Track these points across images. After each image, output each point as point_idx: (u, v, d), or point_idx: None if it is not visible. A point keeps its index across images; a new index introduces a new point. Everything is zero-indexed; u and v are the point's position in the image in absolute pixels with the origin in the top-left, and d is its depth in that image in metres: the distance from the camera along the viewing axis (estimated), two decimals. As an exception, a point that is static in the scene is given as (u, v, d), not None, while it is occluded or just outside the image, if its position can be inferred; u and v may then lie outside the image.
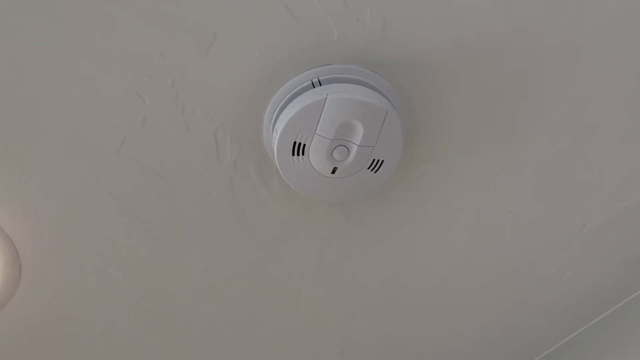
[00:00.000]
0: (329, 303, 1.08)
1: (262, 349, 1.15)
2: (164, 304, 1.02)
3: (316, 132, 0.72)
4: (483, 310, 1.16)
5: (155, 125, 0.78)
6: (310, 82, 0.74)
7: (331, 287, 1.05)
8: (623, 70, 0.79)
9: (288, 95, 0.75)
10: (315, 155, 0.74)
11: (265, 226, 0.92)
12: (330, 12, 0.69)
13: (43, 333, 1.03)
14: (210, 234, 0.92)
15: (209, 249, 0.95)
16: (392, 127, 0.73)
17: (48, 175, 0.81)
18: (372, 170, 0.78)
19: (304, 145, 0.74)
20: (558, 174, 0.92)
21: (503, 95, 0.80)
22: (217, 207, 0.89)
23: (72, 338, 1.05)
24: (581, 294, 1.15)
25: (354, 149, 0.74)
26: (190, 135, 0.79)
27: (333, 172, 0.76)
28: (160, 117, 0.77)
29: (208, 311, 1.05)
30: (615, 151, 0.90)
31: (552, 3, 0.71)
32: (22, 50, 0.69)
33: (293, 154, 0.74)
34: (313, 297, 1.06)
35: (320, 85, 0.74)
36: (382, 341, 1.19)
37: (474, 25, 0.72)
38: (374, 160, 0.76)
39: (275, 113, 0.76)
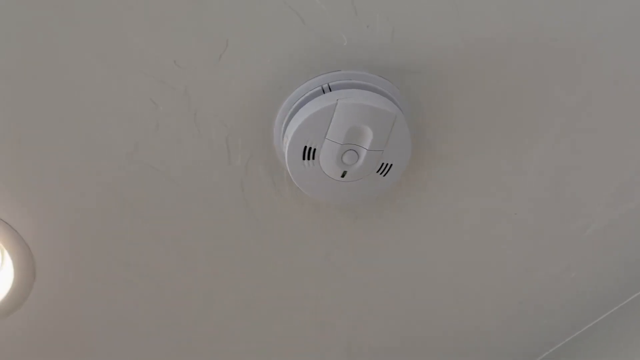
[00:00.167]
0: (336, 304, 1.09)
1: (269, 350, 1.16)
2: (175, 305, 1.03)
3: (326, 137, 0.73)
4: (489, 311, 1.16)
5: (168, 130, 0.79)
6: (320, 87, 0.75)
7: (338, 289, 1.06)
8: (625, 73, 0.81)
9: (299, 101, 0.75)
10: (326, 159, 0.75)
11: (275, 229, 0.93)
12: (341, 20, 0.70)
13: (56, 334, 1.04)
14: (221, 237, 0.94)
15: (220, 252, 0.96)
16: (400, 131, 0.74)
17: (62, 178, 0.83)
18: (381, 173, 0.79)
19: (315, 149, 0.74)
20: (562, 176, 0.93)
21: (509, 99, 0.82)
22: (227, 211, 0.90)
23: (85, 338, 1.06)
24: (585, 295, 1.16)
25: (364, 153, 0.75)
26: (202, 140, 0.80)
27: (343, 175, 0.77)
28: (173, 122, 0.78)
29: (218, 313, 1.06)
30: (618, 153, 0.91)
31: (557, 10, 0.72)
32: (39, 55, 0.70)
33: (304, 159, 0.75)
34: (320, 298, 1.07)
35: (331, 90, 0.74)
36: (389, 343, 1.20)
37: (480, 31, 0.73)
38: (383, 164, 0.77)
39: (286, 118, 0.77)
